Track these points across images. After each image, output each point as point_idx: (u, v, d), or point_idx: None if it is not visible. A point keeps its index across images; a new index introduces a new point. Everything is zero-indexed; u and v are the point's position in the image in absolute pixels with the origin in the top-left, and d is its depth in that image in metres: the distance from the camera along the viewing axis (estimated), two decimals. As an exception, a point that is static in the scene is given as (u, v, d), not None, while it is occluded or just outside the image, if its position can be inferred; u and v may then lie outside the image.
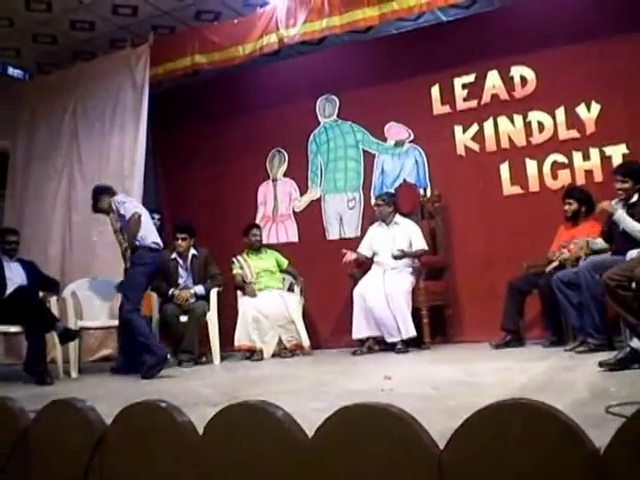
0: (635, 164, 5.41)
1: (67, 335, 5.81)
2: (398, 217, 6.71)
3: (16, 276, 6.10)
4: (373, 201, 7.15)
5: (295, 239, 7.84)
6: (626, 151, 6.29)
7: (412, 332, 6.05)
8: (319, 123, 7.82)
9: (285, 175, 8.00)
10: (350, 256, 6.52)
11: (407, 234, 6.58)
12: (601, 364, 3.90)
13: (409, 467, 1.52)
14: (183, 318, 6.51)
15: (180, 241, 6.83)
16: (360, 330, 6.22)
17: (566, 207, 5.91)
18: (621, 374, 3.74)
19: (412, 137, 7.30)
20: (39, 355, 5.61)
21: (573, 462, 1.37)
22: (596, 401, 2.90)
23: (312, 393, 3.98)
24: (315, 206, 7.77)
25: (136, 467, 2.03)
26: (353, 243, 7.06)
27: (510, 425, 1.42)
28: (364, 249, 6.71)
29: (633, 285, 4.42)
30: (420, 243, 6.55)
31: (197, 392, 4.37)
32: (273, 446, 1.75)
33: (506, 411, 1.43)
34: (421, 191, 7.11)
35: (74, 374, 6.05)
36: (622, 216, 5.06)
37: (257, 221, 7.87)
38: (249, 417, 1.83)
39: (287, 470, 1.72)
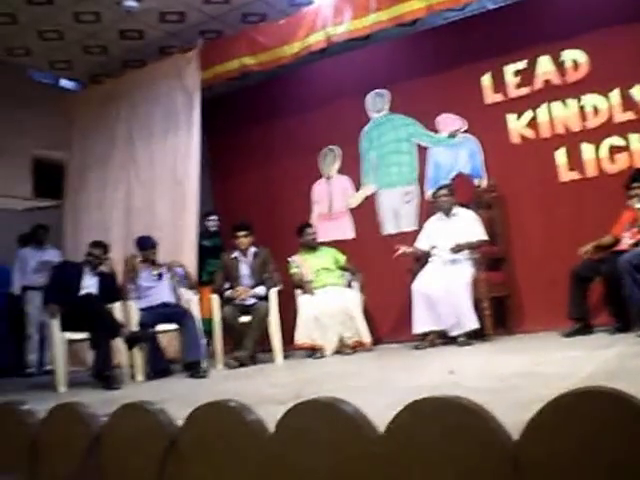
0: None
1: (134, 339, 5.95)
2: (457, 208, 6.66)
3: (91, 287, 6.26)
4: (429, 194, 7.13)
5: (351, 235, 7.83)
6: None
7: (475, 324, 5.97)
8: (370, 118, 7.80)
9: (339, 172, 8.00)
10: (403, 249, 6.47)
11: (467, 224, 6.52)
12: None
13: (484, 460, 1.51)
14: (244, 318, 6.56)
15: (242, 238, 6.90)
16: (421, 324, 6.17)
17: (635, 192, 5.62)
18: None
19: (465, 127, 7.22)
20: (106, 361, 5.73)
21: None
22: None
23: (377, 389, 3.98)
24: (370, 202, 7.76)
25: (208, 468, 2.04)
26: (410, 237, 7.03)
27: (588, 414, 1.38)
28: (421, 243, 6.66)
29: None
30: (480, 233, 6.48)
31: (262, 391, 4.39)
32: (345, 443, 1.75)
33: (582, 399, 1.40)
34: (476, 181, 7.03)
35: (140, 378, 6.15)
36: None
37: (312, 219, 7.89)
38: (320, 414, 1.83)
39: (361, 467, 1.71)
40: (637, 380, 3.20)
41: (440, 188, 6.78)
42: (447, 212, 6.63)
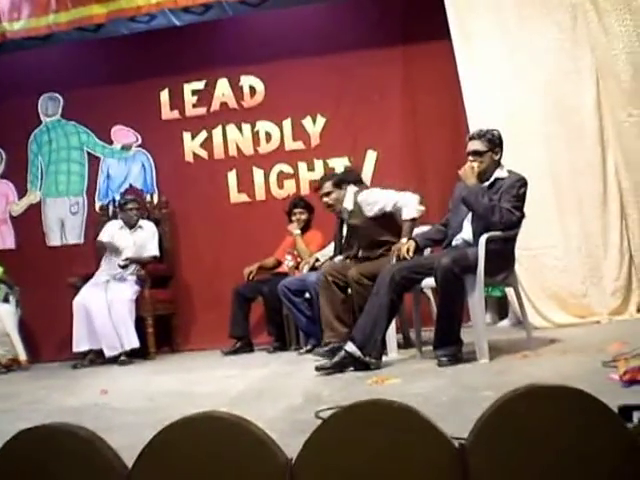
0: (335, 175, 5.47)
1: None
2: (142, 221, 6.53)
3: None
4: (100, 204, 6.96)
5: (12, 245, 7.29)
6: (348, 164, 6.56)
7: (135, 343, 5.88)
8: (41, 122, 7.37)
9: (1, 176, 7.44)
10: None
11: (147, 238, 6.44)
12: (317, 369, 3.97)
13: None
14: None
15: None
16: (80, 342, 5.94)
17: (296, 217, 6.00)
18: (336, 378, 3.84)
19: (140, 141, 7.11)
20: None
21: (264, 473, 1.35)
22: (308, 406, 2.95)
23: (23, 411, 3.77)
24: (35, 210, 7.29)
25: None
26: (75, 250, 6.75)
27: (200, 439, 1.37)
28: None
29: (349, 291, 4.65)
30: (153, 249, 6.42)
31: None
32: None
33: (195, 425, 1.38)
34: (148, 197, 6.96)
35: None
36: None
37: (-32, 226, 7.25)
38: None
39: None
40: (281, 399, 3.31)
41: (127, 201, 6.57)
42: (132, 225, 6.47)
